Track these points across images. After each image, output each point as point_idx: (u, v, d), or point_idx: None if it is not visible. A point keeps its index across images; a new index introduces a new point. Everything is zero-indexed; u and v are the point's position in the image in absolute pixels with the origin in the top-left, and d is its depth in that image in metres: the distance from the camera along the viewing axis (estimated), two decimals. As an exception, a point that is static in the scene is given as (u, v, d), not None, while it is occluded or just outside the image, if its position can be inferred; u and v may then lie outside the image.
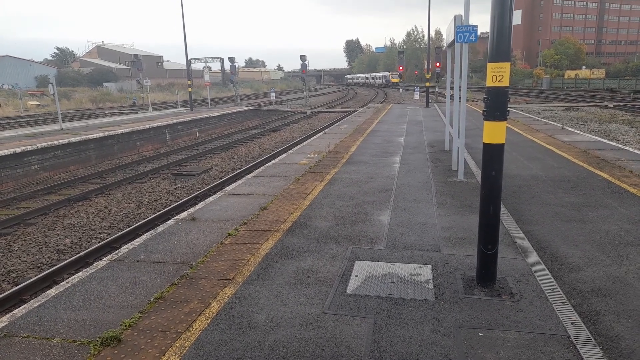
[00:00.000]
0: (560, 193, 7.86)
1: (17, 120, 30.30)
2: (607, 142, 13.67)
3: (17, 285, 6.78)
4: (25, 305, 4.38)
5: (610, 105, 31.72)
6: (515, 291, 4.31)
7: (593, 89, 58.95)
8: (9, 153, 13.79)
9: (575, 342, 3.47)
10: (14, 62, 70.81)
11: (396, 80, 73.87)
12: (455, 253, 5.29)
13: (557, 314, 3.89)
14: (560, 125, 17.86)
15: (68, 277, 5.98)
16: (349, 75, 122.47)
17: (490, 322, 3.79)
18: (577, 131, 16.38)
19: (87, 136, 17.25)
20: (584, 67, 79.76)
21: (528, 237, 5.77)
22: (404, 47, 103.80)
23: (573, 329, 3.66)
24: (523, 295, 4.22)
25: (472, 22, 8.31)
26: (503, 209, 6.81)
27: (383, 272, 4.82)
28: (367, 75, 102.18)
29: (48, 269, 7.40)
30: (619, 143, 14.20)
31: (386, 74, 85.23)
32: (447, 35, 11.06)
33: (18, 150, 14.13)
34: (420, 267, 4.94)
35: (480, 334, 3.62)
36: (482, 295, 4.24)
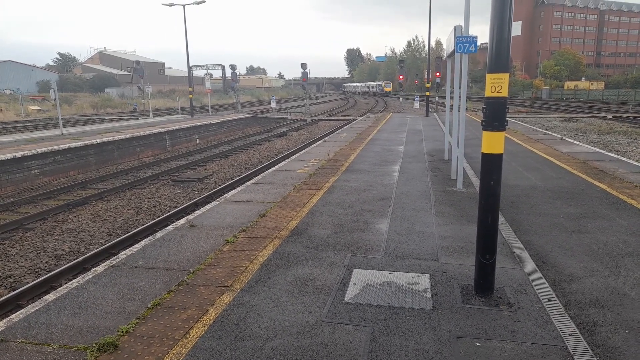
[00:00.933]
0: (558, 204, 7.87)
1: (18, 125, 30.36)
2: (606, 153, 13.71)
3: (14, 290, 6.77)
4: (22, 311, 4.37)
5: (610, 116, 31.84)
6: (513, 301, 4.30)
7: (592, 100, 59.15)
8: (9, 157, 13.81)
9: (572, 353, 3.47)
10: (16, 67, 71.07)
11: (389, 89, 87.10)
12: (453, 262, 5.29)
13: (555, 324, 3.89)
14: (560, 136, 17.92)
15: (66, 283, 5.97)
16: (345, 84, 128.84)
17: (488, 332, 3.79)
18: (576, 142, 16.43)
19: (87, 142, 17.28)
20: (583, 78, 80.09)
21: (526, 247, 5.78)
22: (405, 56, 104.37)
23: (570, 339, 3.65)
24: (521, 306, 4.22)
25: (472, 32, 8.39)
26: (501, 219, 6.81)
27: (381, 281, 4.82)
28: (363, 84, 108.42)
29: (46, 274, 7.38)
30: (617, 154, 14.24)
31: (380, 83, 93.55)
32: (447, 46, 11.13)
33: (18, 154, 14.16)
34: (419, 276, 4.93)
35: (477, 344, 3.61)
36: (480, 305, 4.24)
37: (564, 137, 17.55)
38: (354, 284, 4.74)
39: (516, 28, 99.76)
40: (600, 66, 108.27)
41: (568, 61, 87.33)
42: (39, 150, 14.96)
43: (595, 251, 5.63)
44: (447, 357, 3.44)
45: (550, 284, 4.69)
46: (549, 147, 14.76)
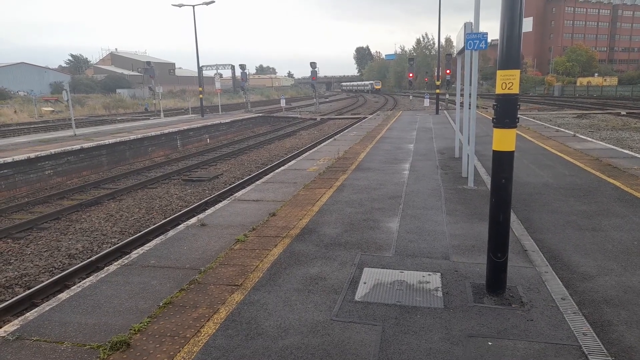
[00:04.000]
0: (571, 201, 7.78)
1: (32, 126, 30.79)
2: (620, 149, 13.51)
3: (29, 289, 6.87)
4: (36, 309, 4.43)
5: (623, 112, 31.36)
6: (525, 300, 4.26)
7: (605, 97, 58.32)
8: (23, 158, 14.01)
9: (586, 352, 3.43)
10: (29, 68, 72.06)
11: (378, 87, 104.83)
12: (464, 261, 5.26)
13: (569, 323, 3.84)
14: (572, 133, 17.70)
15: (79, 282, 6.05)
16: (343, 83, 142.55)
17: (500, 331, 3.75)
18: (589, 139, 16.22)
19: (99, 142, 17.46)
20: (596, 74, 78.92)
21: (539, 245, 5.72)
22: (414, 54, 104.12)
23: (584, 339, 3.61)
24: (533, 305, 4.18)
25: (482, 29, 8.31)
26: (513, 217, 6.75)
27: (392, 280, 4.80)
28: (357, 83, 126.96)
29: (60, 273, 7.48)
30: (632, 151, 14.02)
31: (372, 82, 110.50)
32: (457, 43, 11.05)
33: (32, 155, 14.35)
34: (429, 274, 4.91)
35: (489, 343, 3.58)
36: (492, 304, 4.20)
37: (577, 134, 17.33)
38: (365, 283, 4.73)
39: (527, 24, 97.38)
40: (614, 62, 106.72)
41: (580, 57, 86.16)
42: (52, 151, 15.15)
43: (609, 249, 5.56)
44: (459, 357, 3.42)
45: (563, 283, 4.64)
46: (562, 144, 14.58)
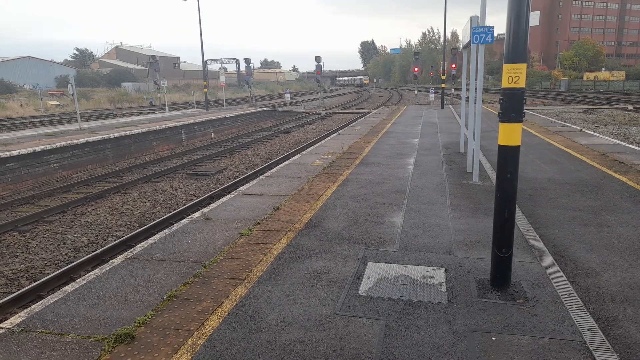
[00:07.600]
0: (577, 197, 7.73)
1: (38, 119, 30.93)
2: (627, 145, 13.41)
3: (35, 282, 6.92)
4: (42, 301, 4.46)
5: (631, 107, 31.07)
6: (530, 295, 4.24)
7: (612, 91, 57.79)
8: (29, 152, 14.08)
9: (591, 348, 3.41)
10: (35, 62, 72.24)
11: (367, 82, 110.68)
12: (469, 256, 5.24)
13: (573, 319, 3.83)
14: (579, 128, 17.57)
15: (84, 274, 6.08)
16: (338, 78, 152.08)
17: (504, 326, 3.74)
18: (595, 134, 16.09)
19: (104, 136, 17.51)
20: (603, 69, 78.23)
21: (544, 240, 5.69)
22: (419, 48, 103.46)
23: (589, 335, 3.59)
24: (538, 300, 4.16)
25: (488, 23, 8.24)
26: (518, 212, 6.72)
27: (395, 274, 4.80)
28: (349, 78, 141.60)
29: (65, 266, 7.53)
30: (638, 146, 13.90)
31: (362, 77, 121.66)
32: (463, 37, 10.97)
33: (38, 149, 14.42)
34: (433, 269, 4.90)
35: (493, 339, 3.57)
36: (496, 299, 4.19)
37: (583, 129, 17.20)
38: (368, 277, 4.73)
39: (534, 18, 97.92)
40: (621, 56, 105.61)
41: (587, 51, 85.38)
42: (58, 145, 15.21)
43: (615, 245, 5.52)
44: (462, 352, 3.41)
45: (568, 279, 4.62)
46: (568, 139, 14.48)
